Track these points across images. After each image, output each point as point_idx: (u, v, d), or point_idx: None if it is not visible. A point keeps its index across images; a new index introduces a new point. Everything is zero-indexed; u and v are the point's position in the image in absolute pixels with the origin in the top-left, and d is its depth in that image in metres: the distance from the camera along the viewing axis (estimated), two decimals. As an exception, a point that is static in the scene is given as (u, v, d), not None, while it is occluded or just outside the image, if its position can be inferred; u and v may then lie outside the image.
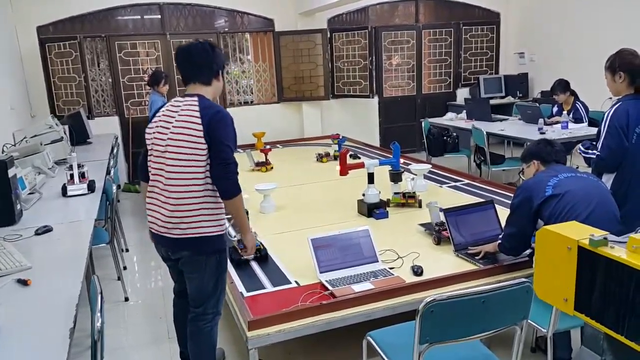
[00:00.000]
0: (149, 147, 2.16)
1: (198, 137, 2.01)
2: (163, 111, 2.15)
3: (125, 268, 3.94)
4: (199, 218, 2.06)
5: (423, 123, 6.23)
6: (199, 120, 2.01)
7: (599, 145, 2.54)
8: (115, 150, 5.04)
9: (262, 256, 2.74)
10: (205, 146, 2.00)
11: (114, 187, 3.47)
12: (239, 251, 2.50)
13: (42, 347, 1.48)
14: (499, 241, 2.48)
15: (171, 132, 2.05)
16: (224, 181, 2.03)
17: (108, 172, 3.80)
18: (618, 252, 0.93)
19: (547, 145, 2.50)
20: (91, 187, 3.31)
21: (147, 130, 2.18)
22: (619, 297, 0.92)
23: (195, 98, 2.08)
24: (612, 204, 2.24)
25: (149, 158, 2.17)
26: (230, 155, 2.03)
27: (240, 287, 2.43)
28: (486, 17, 8.39)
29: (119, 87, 6.62)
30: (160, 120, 2.12)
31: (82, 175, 3.36)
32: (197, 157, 2.02)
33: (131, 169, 6.70)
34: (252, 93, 7.53)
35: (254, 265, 2.71)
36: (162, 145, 2.07)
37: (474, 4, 8.25)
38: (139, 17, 6.74)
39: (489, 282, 2.33)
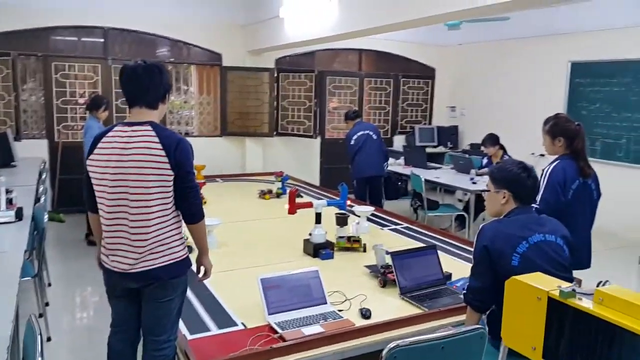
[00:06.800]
0: (96, 181, 2.06)
1: (164, 168, 1.98)
2: (109, 142, 2.04)
3: (47, 304, 3.64)
4: (171, 244, 2.08)
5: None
6: (162, 152, 1.98)
7: (538, 199, 2.74)
8: (44, 176, 4.73)
9: None
10: (171, 174, 2.00)
11: (46, 216, 3.24)
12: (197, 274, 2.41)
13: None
14: (464, 292, 2.28)
15: (131, 167, 1.98)
16: (192, 207, 2.11)
17: (37, 199, 3.54)
18: (586, 303, 0.99)
19: (527, 178, 2.12)
20: (19, 215, 3.07)
21: (92, 163, 2.07)
22: (586, 347, 0.97)
23: (149, 127, 2.03)
24: (569, 270, 2.10)
25: (97, 193, 2.07)
26: (195, 182, 2.11)
27: (183, 329, 2.32)
28: (423, 72, 8.92)
29: (51, 109, 6.28)
30: (110, 154, 2.02)
31: (9, 202, 3.12)
32: (164, 186, 2.01)
33: (57, 197, 6.29)
34: (192, 125, 7.42)
35: (197, 306, 2.60)
36: (121, 180, 1.99)
37: (413, 59, 8.76)
38: (80, 39, 6.52)
39: (434, 326, 2.39)
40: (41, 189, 3.95)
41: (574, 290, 1.00)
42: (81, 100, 6.43)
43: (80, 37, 6.51)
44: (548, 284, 1.05)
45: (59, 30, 6.34)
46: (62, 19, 6.22)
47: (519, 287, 1.08)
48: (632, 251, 5.39)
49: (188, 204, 2.10)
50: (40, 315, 3.30)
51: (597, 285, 1.02)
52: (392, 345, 1.48)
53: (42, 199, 3.49)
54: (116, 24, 6.55)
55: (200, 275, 2.35)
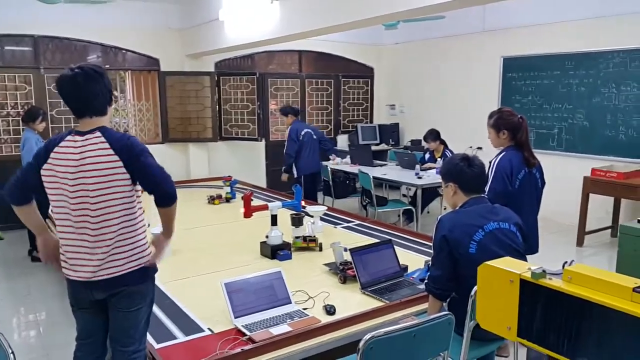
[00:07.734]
0: (53, 192, 2.01)
1: (121, 172, 1.95)
2: (63, 152, 1.98)
3: (-8, 327, 3.42)
4: (135, 249, 2.03)
5: (329, 167, 6.48)
6: (116, 157, 1.94)
7: (487, 189, 2.88)
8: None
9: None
10: (128, 178, 1.96)
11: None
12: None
13: None
14: (425, 282, 2.32)
15: (89, 177, 1.93)
16: (160, 186, 1.99)
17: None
18: (556, 282, 1.08)
19: (468, 167, 2.23)
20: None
21: (47, 173, 2.01)
22: (558, 322, 1.06)
23: (98, 134, 1.98)
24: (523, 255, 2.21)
25: (56, 203, 2.01)
26: (152, 160, 2.00)
27: (149, 339, 2.26)
28: (362, 71, 9.10)
29: (-23, 122, 5.87)
30: (66, 166, 1.96)
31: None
32: (124, 191, 1.97)
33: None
34: (131, 132, 7.16)
35: (160, 315, 2.54)
36: (79, 191, 1.95)
37: (351, 59, 8.91)
38: (8, 48, 6.15)
39: (396, 317, 2.48)
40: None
41: (544, 271, 1.09)
42: (13, 112, 6.07)
43: (9, 46, 6.14)
44: (519, 267, 1.14)
45: (-18, 39, 5.94)
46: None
47: (491, 271, 1.15)
48: (567, 234, 5.79)
49: (153, 183, 1.98)
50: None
51: (563, 265, 1.11)
52: (368, 336, 1.53)
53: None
54: (47, 31, 6.23)
55: (150, 254, 2.12)
